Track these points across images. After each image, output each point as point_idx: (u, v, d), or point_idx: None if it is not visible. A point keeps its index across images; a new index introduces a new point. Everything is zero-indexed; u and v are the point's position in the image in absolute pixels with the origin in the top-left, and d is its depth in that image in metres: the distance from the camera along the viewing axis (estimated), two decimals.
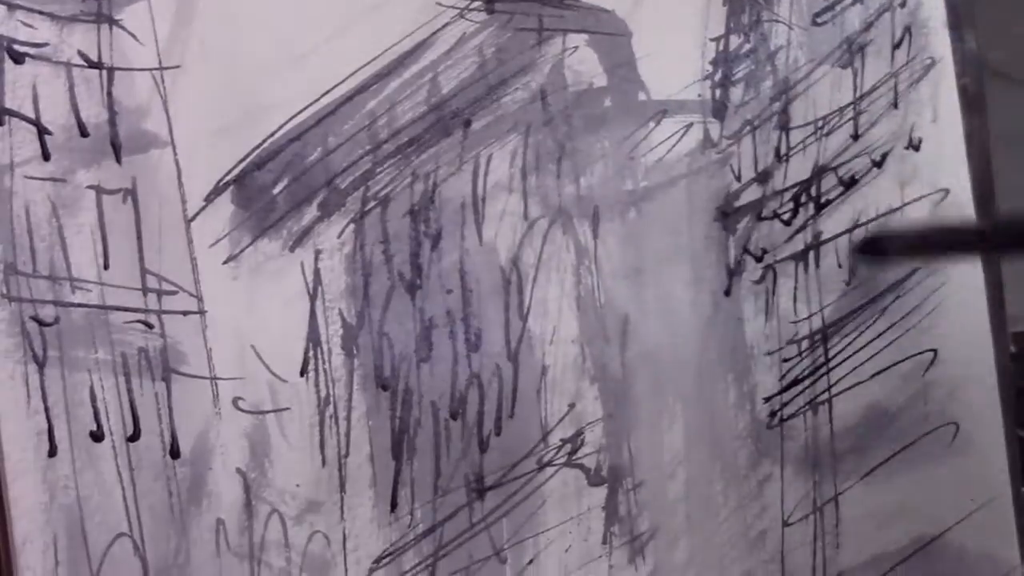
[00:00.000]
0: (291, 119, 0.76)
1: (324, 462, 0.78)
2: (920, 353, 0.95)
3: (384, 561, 0.80)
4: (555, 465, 0.85)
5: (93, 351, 0.72)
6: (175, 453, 0.74)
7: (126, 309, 0.72)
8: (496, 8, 0.81)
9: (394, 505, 0.80)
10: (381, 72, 0.78)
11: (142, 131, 0.72)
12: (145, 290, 0.73)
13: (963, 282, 0.97)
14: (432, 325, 0.80)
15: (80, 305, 0.71)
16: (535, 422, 0.84)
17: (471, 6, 0.81)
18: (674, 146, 0.87)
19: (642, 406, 0.87)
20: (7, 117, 0.69)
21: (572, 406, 0.85)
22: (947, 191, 0.95)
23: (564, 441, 0.85)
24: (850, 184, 0.93)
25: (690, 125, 0.87)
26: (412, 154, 0.79)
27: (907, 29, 0.94)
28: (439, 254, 0.81)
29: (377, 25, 0.78)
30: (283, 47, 0.75)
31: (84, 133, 0.71)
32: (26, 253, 0.70)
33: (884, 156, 0.94)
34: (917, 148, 0.95)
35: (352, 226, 0.78)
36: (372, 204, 0.78)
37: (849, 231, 0.93)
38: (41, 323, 0.71)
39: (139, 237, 0.72)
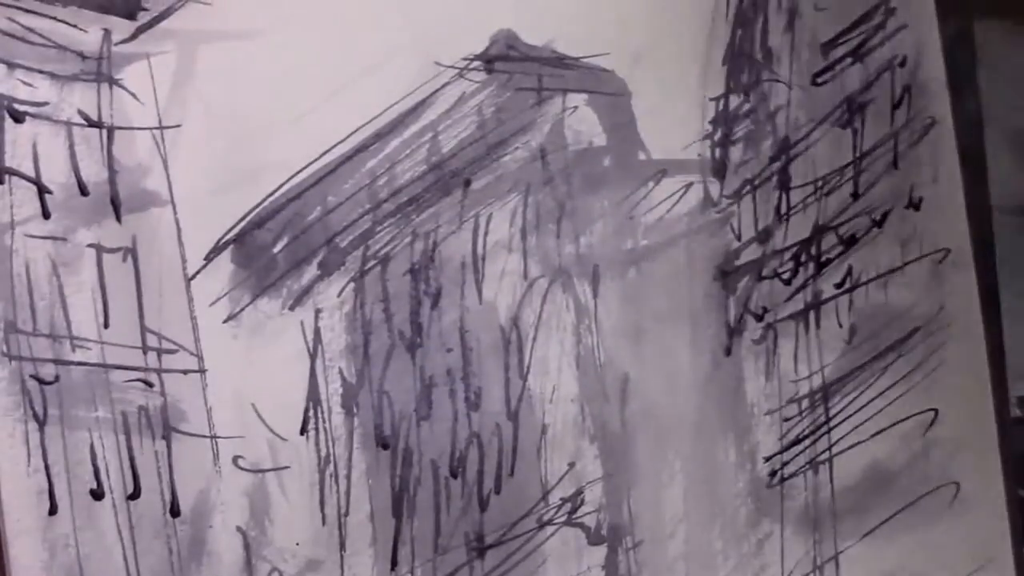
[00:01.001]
0: (291, 178, 0.76)
1: (324, 520, 0.78)
2: (921, 412, 0.95)
3: None
4: (555, 524, 0.84)
5: (93, 409, 0.72)
6: (175, 511, 0.74)
7: (126, 368, 0.72)
8: (495, 68, 0.82)
9: (394, 564, 0.80)
10: (381, 131, 0.78)
11: (142, 190, 0.73)
12: (145, 348, 0.73)
13: (965, 343, 0.96)
14: (432, 384, 0.80)
15: (80, 364, 0.71)
16: (535, 481, 0.83)
17: (470, 66, 0.81)
18: (674, 206, 0.87)
19: (642, 465, 0.86)
20: (7, 176, 0.69)
21: (572, 465, 0.84)
22: (948, 251, 0.96)
23: (564, 500, 0.84)
24: (850, 243, 0.93)
25: (690, 184, 0.87)
26: (412, 213, 0.80)
27: (906, 89, 0.94)
28: (439, 313, 0.81)
29: (377, 85, 0.78)
30: (283, 107, 0.76)
31: (84, 192, 0.71)
32: (26, 311, 0.70)
33: (884, 215, 0.94)
34: (917, 208, 0.95)
35: (352, 285, 0.78)
36: (372, 263, 0.78)
37: (849, 290, 0.93)
38: (41, 381, 0.71)
39: (139, 295, 0.73)
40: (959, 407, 0.96)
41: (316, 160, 0.76)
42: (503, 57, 0.82)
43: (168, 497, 0.73)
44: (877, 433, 0.93)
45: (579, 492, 0.84)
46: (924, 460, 0.95)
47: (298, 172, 0.76)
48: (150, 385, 0.72)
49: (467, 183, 0.81)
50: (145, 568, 0.73)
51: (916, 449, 0.95)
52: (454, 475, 0.80)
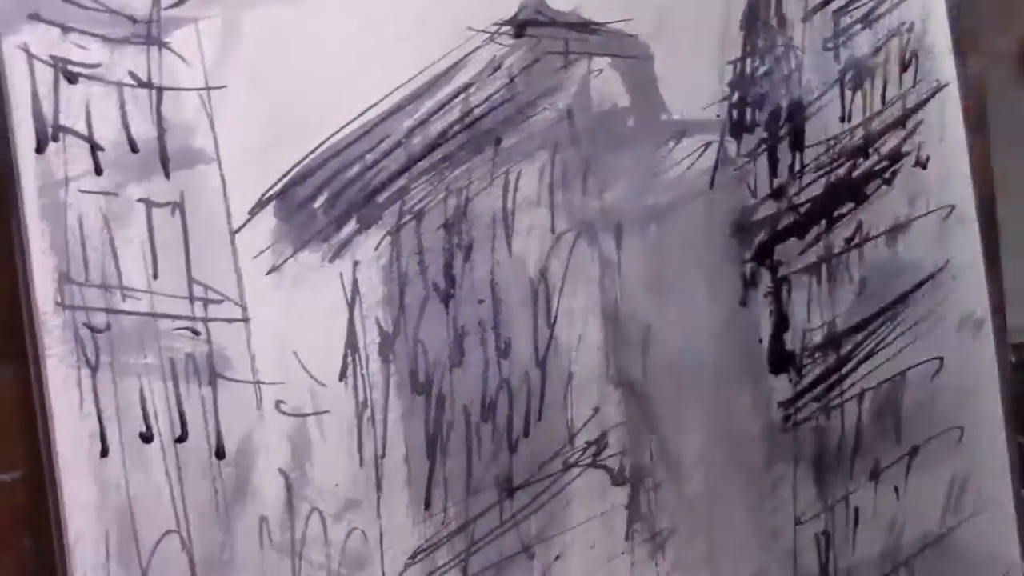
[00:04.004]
0: (330, 137, 0.72)
1: (362, 462, 0.74)
2: (927, 361, 0.91)
3: (419, 557, 0.77)
4: (580, 466, 0.81)
5: (143, 356, 0.68)
6: (221, 454, 0.71)
7: (174, 316, 0.69)
8: (525, 33, 0.78)
9: (428, 504, 0.77)
10: (416, 93, 0.74)
11: (189, 147, 0.69)
12: (192, 299, 0.69)
13: (968, 294, 0.93)
14: (464, 333, 0.77)
15: (130, 313, 0.68)
16: (561, 425, 0.80)
17: (501, 31, 0.77)
18: (693, 163, 0.83)
19: (662, 410, 0.83)
20: (62, 133, 0.66)
21: (596, 410, 0.81)
22: (953, 207, 0.92)
23: (589, 443, 0.81)
24: (861, 200, 0.89)
25: (709, 143, 0.84)
26: (445, 170, 0.76)
27: (914, 54, 0.90)
28: (471, 265, 0.77)
29: (412, 48, 0.74)
30: (323, 69, 0.72)
31: (134, 149, 0.68)
32: (79, 263, 0.67)
33: (894, 173, 0.90)
34: (924, 166, 0.91)
35: (388, 239, 0.74)
36: (407, 218, 0.75)
37: (859, 245, 0.89)
38: (94, 329, 0.67)
39: (186, 248, 0.69)
40: (963, 355, 0.93)
41: (354, 120, 0.72)
42: (532, 22, 0.78)
43: (214, 440, 0.70)
44: (885, 381, 0.90)
45: (603, 436, 0.81)
46: (930, 406, 0.92)
47: (337, 131, 0.72)
48: (197, 333, 0.69)
49: (498, 141, 0.77)
50: (192, 507, 0.70)
51: (922, 395, 0.91)
52: (485, 420, 0.77)
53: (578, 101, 0.80)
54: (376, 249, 0.74)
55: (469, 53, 0.76)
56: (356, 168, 0.73)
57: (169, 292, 0.69)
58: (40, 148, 0.66)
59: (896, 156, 0.90)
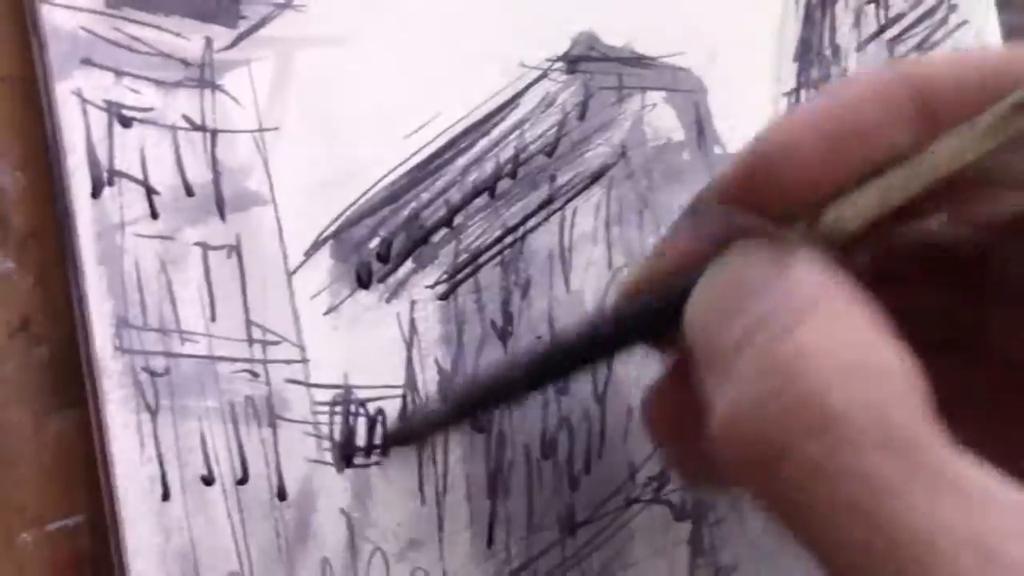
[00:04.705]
0: (384, 177, 0.68)
1: (423, 501, 0.70)
2: None
3: None
4: (642, 501, 0.76)
5: (203, 399, 0.65)
6: (282, 495, 0.66)
7: (233, 359, 0.66)
8: (578, 69, 0.74)
9: (490, 542, 0.72)
10: (469, 130, 0.71)
11: (244, 190, 0.66)
12: (250, 340, 0.65)
13: None
14: None
15: (189, 356, 0.64)
16: (622, 461, 0.75)
17: (553, 67, 0.73)
18: None
19: None
20: (117, 178, 0.63)
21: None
22: None
23: (651, 479, 0.76)
24: None
25: None
26: (501, 208, 0.72)
27: None
28: (528, 303, 0.73)
29: (464, 86, 0.71)
30: (375, 108, 0.69)
31: (190, 192, 0.65)
32: (137, 307, 0.63)
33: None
34: None
35: (445, 277, 0.71)
36: (464, 256, 0.71)
37: None
38: (153, 373, 0.64)
39: (243, 290, 0.65)
40: None
41: (408, 159, 0.69)
42: (585, 58, 0.74)
43: (275, 482, 0.66)
44: None
45: (663, 471, 0.76)
46: None
47: (391, 171, 0.68)
48: (256, 375, 0.66)
49: (552, 178, 0.73)
50: (254, 549, 0.65)
51: None
52: (546, 457, 0.72)
53: (632, 136, 0.76)
54: (432, 288, 0.71)
55: (522, 90, 0.73)
56: (411, 207, 0.70)
57: (227, 335, 0.65)
58: (96, 193, 0.62)
59: None
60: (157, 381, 0.65)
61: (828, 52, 0.82)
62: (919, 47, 0.85)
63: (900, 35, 0.84)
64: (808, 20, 0.81)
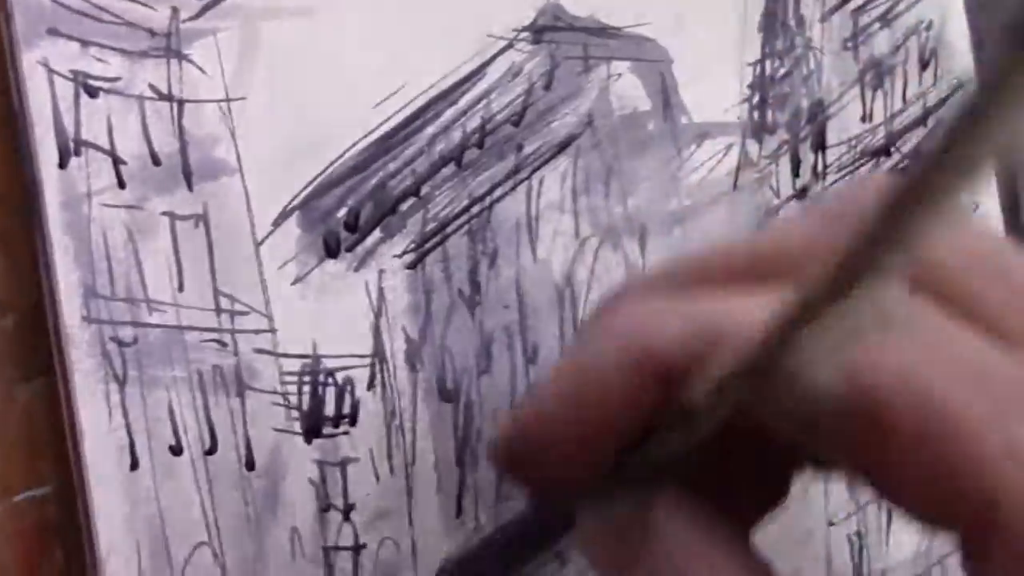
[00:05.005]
0: (352, 147, 0.69)
1: (392, 471, 0.71)
2: None
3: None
4: None
5: (171, 369, 0.65)
6: (250, 465, 0.67)
7: (201, 329, 0.66)
8: (543, 39, 0.75)
9: (459, 511, 0.73)
10: (436, 100, 0.71)
11: (212, 159, 0.66)
12: (218, 310, 0.66)
13: None
14: (491, 339, 0.73)
15: (157, 326, 0.65)
16: None
17: (519, 37, 0.74)
18: (716, 166, 0.79)
19: None
20: (84, 148, 0.63)
21: None
22: (976, 204, 0.87)
23: None
24: None
25: (730, 146, 0.80)
26: (468, 177, 0.73)
27: (933, 52, 0.86)
28: (496, 272, 0.73)
29: (431, 56, 0.71)
30: (343, 78, 0.69)
31: (157, 162, 0.65)
32: (104, 277, 0.64)
33: None
34: None
35: (413, 247, 0.71)
36: (431, 225, 0.72)
37: None
38: (121, 343, 0.64)
39: (211, 260, 0.66)
40: None
41: (375, 129, 0.69)
42: (550, 28, 0.74)
43: (244, 452, 0.66)
44: None
45: None
46: None
47: (358, 141, 0.69)
48: (224, 345, 0.66)
49: (519, 148, 0.74)
50: (223, 518, 0.66)
51: None
52: None
53: (598, 106, 0.77)
54: (400, 257, 0.71)
55: (488, 60, 0.73)
56: (379, 177, 0.70)
57: (195, 304, 0.66)
58: (63, 163, 0.63)
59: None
60: (125, 351, 0.65)
61: (792, 23, 0.83)
62: (883, 17, 0.86)
63: (864, 6, 0.85)
64: None
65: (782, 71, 0.82)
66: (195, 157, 0.66)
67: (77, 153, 0.64)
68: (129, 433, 0.65)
